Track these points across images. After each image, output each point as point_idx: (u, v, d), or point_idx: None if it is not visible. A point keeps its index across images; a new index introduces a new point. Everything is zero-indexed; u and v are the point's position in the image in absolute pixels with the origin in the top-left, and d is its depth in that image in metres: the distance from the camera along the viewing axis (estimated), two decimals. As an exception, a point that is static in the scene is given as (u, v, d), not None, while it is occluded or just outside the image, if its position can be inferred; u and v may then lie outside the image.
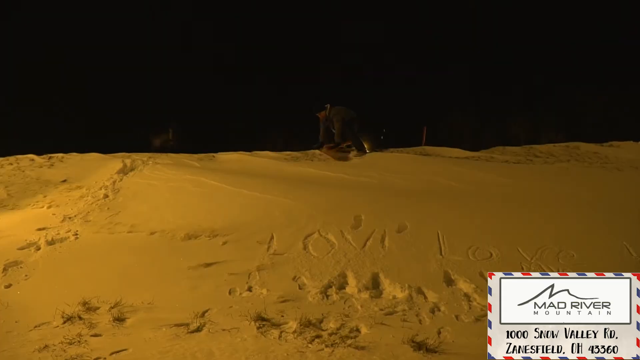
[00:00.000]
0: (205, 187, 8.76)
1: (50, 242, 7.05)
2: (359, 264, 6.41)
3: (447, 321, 5.07)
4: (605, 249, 6.53)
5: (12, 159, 11.72)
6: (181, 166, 10.57)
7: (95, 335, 4.41)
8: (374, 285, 6.00)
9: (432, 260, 6.44)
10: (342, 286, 6.00)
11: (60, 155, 12.11)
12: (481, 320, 5.11)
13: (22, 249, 6.92)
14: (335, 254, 6.67)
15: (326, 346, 4.16)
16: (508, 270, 6.03)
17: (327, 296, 5.75)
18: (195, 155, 12.16)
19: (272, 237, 7.08)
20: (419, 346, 4.10)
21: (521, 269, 6.19)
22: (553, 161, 10.70)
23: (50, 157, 11.82)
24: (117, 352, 3.97)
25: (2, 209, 8.52)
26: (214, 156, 12.14)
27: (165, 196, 8.47)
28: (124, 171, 9.87)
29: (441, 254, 6.57)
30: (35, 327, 4.68)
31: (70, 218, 7.83)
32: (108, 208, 8.19)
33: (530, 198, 7.98)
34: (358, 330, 4.67)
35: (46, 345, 4.07)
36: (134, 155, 11.90)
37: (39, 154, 12.38)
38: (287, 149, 13.04)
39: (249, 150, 12.40)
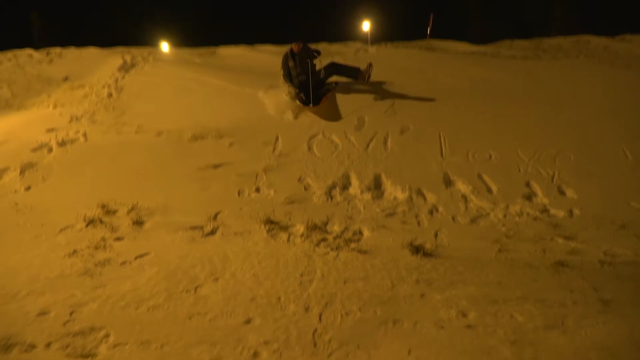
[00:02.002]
0: (209, 86, 8.75)
1: (61, 144, 7.24)
2: (362, 165, 6.64)
3: (444, 223, 5.40)
4: (602, 152, 6.72)
5: (9, 54, 11.53)
6: (182, 63, 10.44)
7: (118, 239, 4.75)
8: (376, 186, 6.27)
9: (432, 162, 6.66)
10: (345, 187, 6.27)
11: (58, 50, 11.88)
12: (476, 221, 5.45)
13: (35, 150, 7.11)
14: (339, 155, 6.88)
15: (331, 249, 4.50)
16: (504, 172, 6.35)
17: (331, 197, 6.04)
18: (196, 51, 11.93)
19: (277, 138, 7.24)
20: (417, 250, 4.43)
21: (518, 171, 6.44)
22: (561, 57, 10.53)
23: (48, 53, 11.60)
24: (141, 256, 4.32)
25: (8, 109, 8.60)
26: (215, 51, 11.91)
27: (169, 96, 8.50)
28: (124, 68, 9.79)
29: (442, 156, 6.78)
30: (61, 230, 5.02)
31: (77, 118, 7.94)
32: (113, 108, 8.27)
33: (533, 98, 8.01)
34: (361, 233, 5.01)
35: (75, 250, 4.42)
36: (133, 51, 11.67)
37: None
38: (287, 41, 12.56)
39: (251, 44, 12.12)
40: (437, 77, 9.10)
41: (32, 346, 2.89)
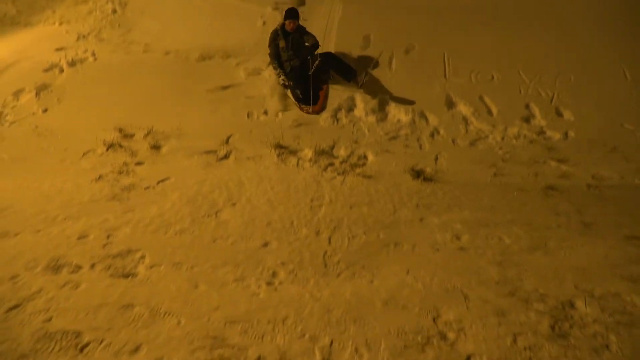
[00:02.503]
0: (215, 3, 8.64)
1: (71, 64, 7.37)
2: (367, 86, 6.80)
3: (445, 146, 5.69)
4: (602, 72, 6.83)
5: (8, -35, 11.21)
6: (186, -25, 10.20)
7: (139, 164, 5.09)
8: (380, 109, 6.49)
9: (436, 83, 6.81)
10: (350, 109, 6.49)
11: (57, -40, 11.52)
12: (475, 144, 5.74)
13: (46, 70, 7.26)
14: (345, 76, 7.01)
15: (338, 174, 4.84)
16: (506, 94, 6.52)
17: (337, 120, 6.29)
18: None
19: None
20: (418, 174, 4.77)
21: (519, 92, 6.62)
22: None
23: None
24: (162, 180, 4.67)
25: (15, 26, 8.60)
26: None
27: (174, 13, 8.44)
28: (127, -19, 9.59)
29: (445, 77, 6.92)
30: (84, 154, 5.34)
31: (84, 36, 7.99)
32: (119, 25, 8.28)
33: (538, 17, 7.94)
34: (365, 157, 5.32)
35: (100, 176, 4.77)
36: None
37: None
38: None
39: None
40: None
41: (79, 267, 3.31)
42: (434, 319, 2.80)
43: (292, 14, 6.70)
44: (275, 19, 7.89)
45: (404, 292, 3.05)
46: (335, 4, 8.28)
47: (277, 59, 6.74)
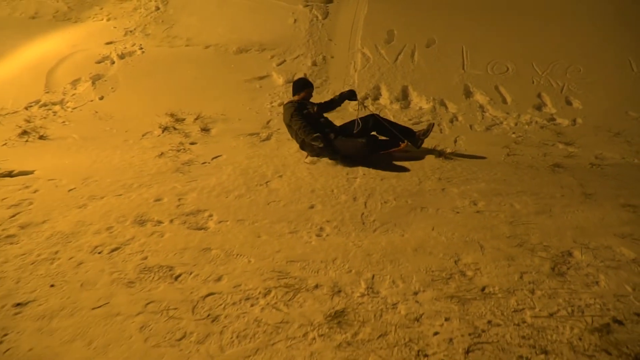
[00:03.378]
0: (249, 0, 9.34)
1: (121, 56, 8.11)
2: (391, 77, 7.44)
3: (463, 130, 6.32)
4: (610, 64, 7.40)
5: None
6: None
7: (193, 144, 5.79)
8: (404, 97, 7.13)
9: (454, 74, 7.44)
10: (376, 97, 7.14)
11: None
12: (490, 129, 6.35)
13: (99, 62, 8.01)
14: (371, 68, 7.67)
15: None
16: (519, 84, 7.10)
17: (365, 107, 6.93)
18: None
19: (314, 53, 8.00)
20: (439, 153, 5.40)
21: (532, 83, 7.21)
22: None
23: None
24: (216, 157, 5.37)
25: (66, 22, 9.38)
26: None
27: (212, 9, 9.15)
28: (167, -21, 10.34)
29: (463, 69, 7.53)
30: (143, 135, 6.06)
31: (131, 32, 8.73)
32: (162, 21, 9.01)
33: (552, 10, 8.51)
34: (392, 139, 5.95)
35: (162, 153, 5.48)
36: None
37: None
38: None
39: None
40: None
41: (160, 222, 4.01)
42: (455, 262, 3.45)
43: (308, 82, 5.83)
44: (306, 16, 8.56)
45: (430, 243, 3.70)
46: (361, 2, 8.92)
47: (312, 125, 5.43)
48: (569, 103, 6.83)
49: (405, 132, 5.43)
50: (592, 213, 4.22)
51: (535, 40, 7.82)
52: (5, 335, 2.64)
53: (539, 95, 6.94)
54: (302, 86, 5.71)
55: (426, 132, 5.39)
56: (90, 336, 2.65)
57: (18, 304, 2.93)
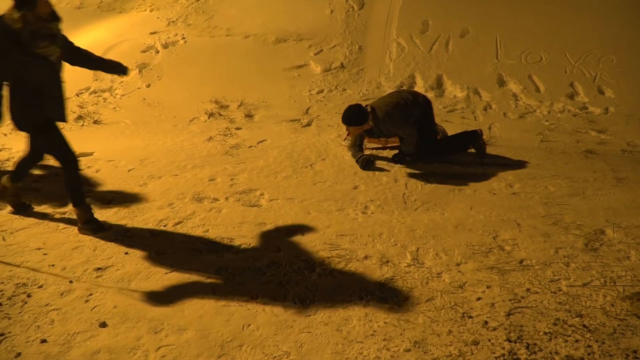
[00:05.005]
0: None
1: (165, 46, 8.47)
2: (426, 66, 7.65)
3: (497, 118, 6.52)
4: (642, 54, 7.49)
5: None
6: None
7: (238, 129, 6.12)
8: (438, 86, 7.34)
9: (488, 63, 7.61)
10: (411, 86, 7.36)
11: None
12: (524, 117, 6.54)
13: (144, 51, 8.39)
14: (406, 57, 7.88)
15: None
16: (552, 73, 7.22)
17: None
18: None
19: (350, 43, 8.25)
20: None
21: (564, 72, 7.35)
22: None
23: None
24: (261, 141, 5.69)
25: (111, 12, 9.79)
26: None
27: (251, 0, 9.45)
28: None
29: (497, 58, 7.70)
30: (191, 121, 6.42)
31: (173, 22, 9.10)
32: (203, 11, 9.34)
33: (584, 2, 8.57)
34: (428, 125, 6.19)
35: (210, 137, 5.82)
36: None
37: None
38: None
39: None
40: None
41: (216, 199, 4.34)
42: (494, 237, 3.70)
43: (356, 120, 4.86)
44: (342, 7, 8.81)
45: (469, 220, 3.96)
46: (396, -8, 9.11)
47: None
48: (601, 92, 6.95)
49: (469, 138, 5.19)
50: (624, 195, 4.42)
51: (568, 31, 7.92)
52: (90, 295, 2.99)
53: (571, 85, 7.08)
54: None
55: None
56: (167, 296, 2.98)
57: (98, 269, 3.29)
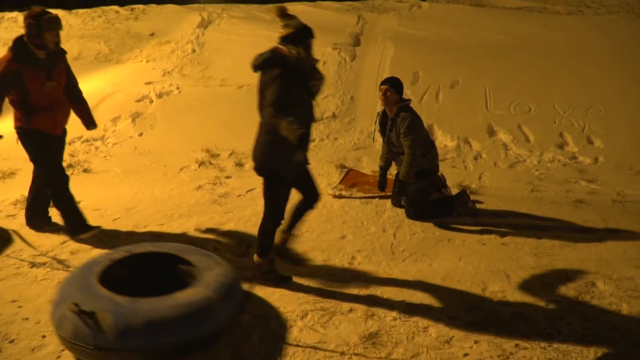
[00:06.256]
0: (280, 43, 9.81)
1: (159, 96, 8.58)
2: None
3: (487, 167, 6.53)
4: (630, 105, 7.59)
5: (99, 10, 12.79)
6: (254, 20, 11.47)
7: (228, 177, 6.10)
8: (429, 135, 7.37)
9: (478, 113, 7.70)
10: (402, 135, 7.39)
11: (141, 7, 13.03)
12: (514, 166, 6.55)
13: (138, 101, 8.48)
14: (396, 108, 7.95)
15: (396, 188, 5.72)
16: (541, 124, 7.29)
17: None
18: (264, 6, 12.86)
19: (342, 93, 8.37)
20: (465, 189, 5.60)
21: (554, 122, 7.42)
22: (603, 12, 11.06)
23: (132, 9, 12.79)
24: (250, 190, 5.65)
25: (108, 62, 9.96)
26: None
27: (245, 51, 9.60)
28: (203, 25, 10.93)
29: (487, 109, 7.80)
30: (181, 169, 6.40)
31: (168, 72, 9.24)
32: (198, 62, 9.52)
33: (572, 53, 8.79)
34: (418, 175, 6.19)
35: (199, 186, 5.79)
36: (208, 8, 12.64)
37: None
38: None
39: (313, 0, 12.89)
40: (485, 33, 9.89)
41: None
42: (482, 290, 3.61)
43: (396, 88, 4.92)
44: (334, 59, 8.97)
45: (458, 272, 3.88)
46: (387, 44, 9.32)
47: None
48: (590, 142, 7.00)
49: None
50: (615, 246, 4.36)
51: (556, 82, 8.06)
52: (63, 350, 2.88)
53: (560, 135, 7.14)
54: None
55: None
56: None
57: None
